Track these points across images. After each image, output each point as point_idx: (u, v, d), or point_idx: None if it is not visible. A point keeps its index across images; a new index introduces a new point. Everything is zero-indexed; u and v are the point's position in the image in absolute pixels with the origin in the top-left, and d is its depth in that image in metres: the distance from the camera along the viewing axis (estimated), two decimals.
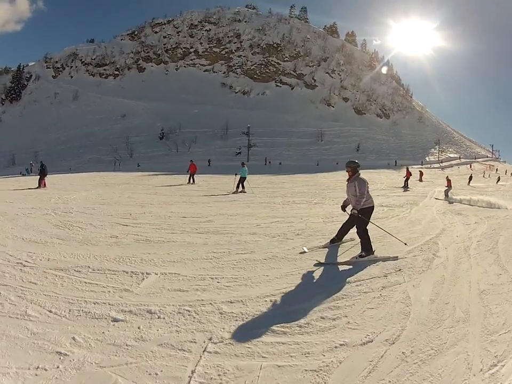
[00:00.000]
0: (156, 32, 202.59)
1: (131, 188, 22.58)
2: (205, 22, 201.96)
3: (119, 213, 12.48)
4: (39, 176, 24.28)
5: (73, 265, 6.85)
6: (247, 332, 4.49)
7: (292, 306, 5.19)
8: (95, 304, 5.22)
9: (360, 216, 7.66)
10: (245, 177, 21.76)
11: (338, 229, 8.59)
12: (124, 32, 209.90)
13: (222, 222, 11.01)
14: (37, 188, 22.56)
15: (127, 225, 10.38)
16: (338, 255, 7.89)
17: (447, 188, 24.32)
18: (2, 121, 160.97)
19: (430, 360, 3.98)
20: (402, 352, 4.07)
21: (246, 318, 4.81)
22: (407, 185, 28.97)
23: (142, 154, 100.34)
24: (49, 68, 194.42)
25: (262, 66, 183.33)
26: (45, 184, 23.84)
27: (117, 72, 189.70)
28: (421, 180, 39.96)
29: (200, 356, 3.97)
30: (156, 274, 6.41)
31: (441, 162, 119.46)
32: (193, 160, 28.43)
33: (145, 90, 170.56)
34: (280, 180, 33.16)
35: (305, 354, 4.03)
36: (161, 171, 44.94)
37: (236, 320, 4.76)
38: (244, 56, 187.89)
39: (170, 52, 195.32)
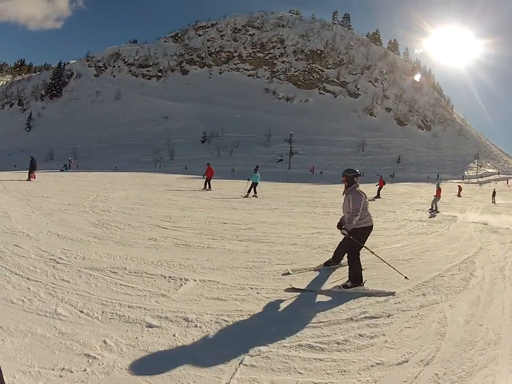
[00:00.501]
0: (199, 35, 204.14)
1: (171, 190, 22.60)
2: (248, 27, 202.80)
3: (159, 215, 12.47)
4: (28, 170, 25.44)
5: (109, 265, 6.81)
6: (284, 345, 4.35)
7: (332, 322, 5.04)
8: (129, 307, 5.14)
9: (351, 239, 6.47)
10: (257, 183, 22.46)
11: (335, 250, 7.47)
12: (167, 34, 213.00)
13: (263, 231, 10.85)
14: (27, 180, 23.82)
15: (166, 228, 10.33)
16: (326, 281, 6.84)
17: (435, 197, 22.31)
18: (41, 116, 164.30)
19: (461, 382, 3.88)
20: (436, 374, 3.95)
21: (284, 332, 4.66)
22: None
23: (183, 157, 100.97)
24: (91, 66, 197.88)
25: (306, 73, 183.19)
26: (34, 177, 25.14)
27: (160, 74, 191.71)
28: (459, 195, 38.78)
29: (236, 369, 3.84)
30: (194, 280, 6.30)
31: (481, 177, 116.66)
32: (210, 164, 27.59)
33: (188, 93, 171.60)
34: (320, 189, 32.80)
35: (341, 372, 3.91)
36: (202, 175, 45.12)
37: (278, 334, 4.62)
38: (287, 62, 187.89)
39: (214, 55, 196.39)
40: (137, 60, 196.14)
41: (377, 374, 3.89)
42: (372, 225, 6.75)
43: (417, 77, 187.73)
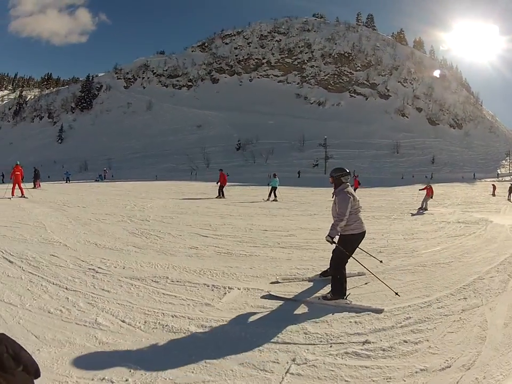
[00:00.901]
0: (226, 44, 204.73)
1: (209, 198, 22.51)
2: (274, 33, 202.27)
3: (198, 223, 12.42)
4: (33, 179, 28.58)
5: (151, 275, 6.80)
6: (331, 353, 4.30)
7: (377, 328, 4.95)
8: (173, 317, 5.10)
9: (337, 246, 5.98)
10: (276, 187, 23.42)
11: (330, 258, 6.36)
12: (194, 44, 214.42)
13: (304, 237, 10.69)
14: (33, 188, 25.81)
15: (207, 237, 10.26)
16: (317, 291, 6.33)
17: (426, 197, 21.11)
18: (73, 128, 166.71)
19: None
20: (476, 378, 3.92)
21: (331, 340, 4.60)
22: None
23: (219, 165, 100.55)
24: (120, 78, 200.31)
25: (335, 76, 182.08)
26: (39, 185, 28.25)
27: (190, 83, 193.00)
28: (493, 195, 37.51)
29: (283, 377, 3.80)
30: (238, 289, 6.22)
31: None
32: (222, 170, 25.72)
33: (219, 101, 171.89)
34: (358, 194, 32.40)
35: (387, 379, 3.87)
36: (238, 182, 45.14)
37: (320, 341, 4.56)
38: (316, 66, 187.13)
39: (242, 63, 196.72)
40: (166, 70, 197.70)
41: (421, 380, 3.87)
42: (363, 232, 6.15)
43: (444, 74, 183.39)
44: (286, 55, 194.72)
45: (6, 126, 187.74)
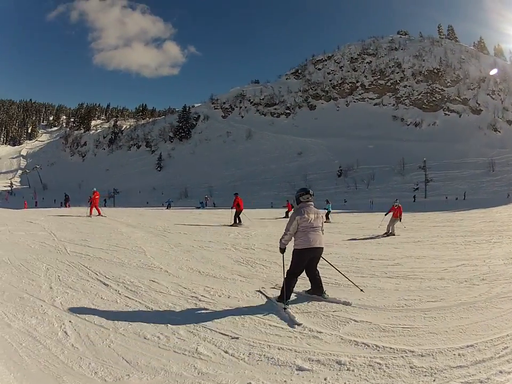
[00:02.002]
0: (318, 69, 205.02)
1: None
2: (364, 54, 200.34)
3: None
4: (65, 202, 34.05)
5: (257, 305, 6.54)
6: None
7: (476, 360, 4.52)
8: (279, 349, 4.78)
9: (283, 257, 6.88)
10: (330, 211, 28.56)
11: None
12: (287, 71, 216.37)
13: (410, 266, 10.18)
14: (65, 207, 30.32)
15: None
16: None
17: (393, 219, 18.98)
18: (171, 157, 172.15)
19: None
20: None
21: (435, 373, 4.24)
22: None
23: (321, 192, 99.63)
24: (217, 108, 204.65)
25: (428, 94, 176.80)
26: (68, 206, 33.55)
27: (288, 111, 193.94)
28: None
29: None
30: (350, 321, 5.84)
31: None
32: (238, 194, 23.75)
33: (318, 128, 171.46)
34: (458, 217, 30.63)
35: None
36: (341, 209, 44.60)
37: (425, 376, 4.21)
38: (409, 86, 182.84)
39: (337, 87, 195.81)
40: (263, 99, 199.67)
41: None
42: (308, 248, 6.50)
43: None
44: (379, 76, 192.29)
45: (102, 154, 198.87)
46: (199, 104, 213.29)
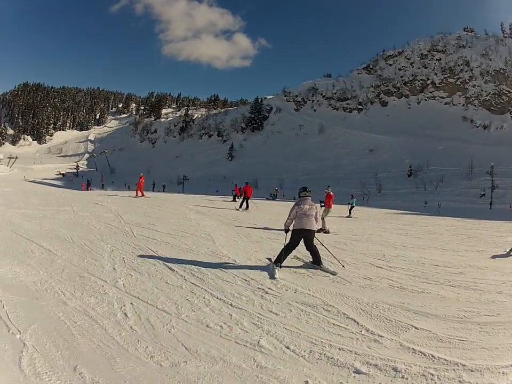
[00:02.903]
0: (389, 65, 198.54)
1: (381, 226, 21.08)
2: (433, 51, 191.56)
3: (372, 252, 11.73)
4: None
5: (322, 302, 6.46)
6: None
7: None
8: (340, 350, 4.73)
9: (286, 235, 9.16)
10: (354, 206, 29.14)
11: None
12: (359, 66, 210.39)
13: (472, 276, 9.77)
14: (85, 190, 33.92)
15: (380, 268, 9.64)
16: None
17: (323, 207, 18.09)
18: (243, 147, 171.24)
19: None
20: None
21: None
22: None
23: (390, 191, 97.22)
24: (289, 101, 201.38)
25: (496, 96, 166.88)
26: (90, 189, 38.04)
27: (360, 107, 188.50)
28: None
29: None
30: (412, 328, 5.73)
31: None
32: (249, 183, 30.59)
33: (389, 125, 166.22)
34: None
35: None
36: (409, 210, 43.53)
37: None
38: (477, 86, 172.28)
39: (408, 84, 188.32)
40: (335, 93, 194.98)
41: None
42: (302, 229, 8.71)
43: None
44: (448, 74, 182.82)
45: (172, 141, 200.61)
46: (271, 96, 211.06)
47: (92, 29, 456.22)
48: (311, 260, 9.11)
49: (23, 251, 9.24)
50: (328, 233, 15.41)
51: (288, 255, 8.82)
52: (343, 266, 9.10)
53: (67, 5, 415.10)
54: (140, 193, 29.05)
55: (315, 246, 8.93)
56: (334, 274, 8.25)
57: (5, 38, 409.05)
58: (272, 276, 7.77)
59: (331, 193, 19.42)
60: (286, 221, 9.03)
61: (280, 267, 8.34)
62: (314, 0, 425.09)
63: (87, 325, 5.15)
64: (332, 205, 19.09)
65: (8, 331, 4.89)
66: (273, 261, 8.74)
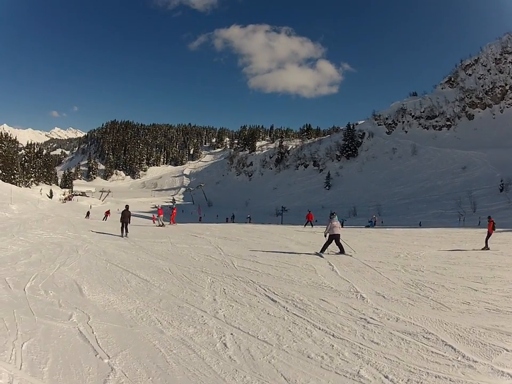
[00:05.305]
0: (469, 75, 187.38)
1: (478, 246, 19.40)
2: (505, 53, 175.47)
3: (470, 275, 11.17)
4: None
5: (422, 330, 6.25)
6: None
7: None
8: (436, 377, 4.58)
9: (325, 237, 15.17)
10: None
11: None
12: (442, 80, 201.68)
13: None
14: (103, 220, 41.31)
15: (477, 290, 9.15)
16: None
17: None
18: (339, 175, 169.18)
19: None
20: None
21: None
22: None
23: (484, 209, 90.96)
24: (380, 124, 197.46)
25: None
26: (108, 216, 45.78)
27: (448, 123, 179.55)
28: None
29: None
30: (501, 352, 5.40)
31: None
32: (310, 211, 37.38)
33: (478, 139, 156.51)
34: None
35: None
36: (503, 227, 41.02)
37: None
38: None
39: (490, 93, 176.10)
40: (423, 112, 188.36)
41: None
42: (334, 234, 14.74)
43: None
44: None
45: (269, 173, 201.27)
46: (363, 121, 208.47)
47: (172, 67, 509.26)
48: (339, 251, 14.77)
49: (118, 280, 9.63)
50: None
51: (327, 247, 14.76)
52: (354, 251, 15.05)
53: (144, 47, 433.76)
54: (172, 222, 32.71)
55: (340, 243, 14.81)
56: (350, 256, 14.26)
57: (93, 80, 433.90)
58: (320, 255, 14.30)
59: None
60: (325, 231, 15.26)
61: (322, 256, 14.18)
62: (391, 19, 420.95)
63: (184, 353, 5.25)
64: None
65: (96, 355, 5.07)
66: (319, 251, 14.70)
